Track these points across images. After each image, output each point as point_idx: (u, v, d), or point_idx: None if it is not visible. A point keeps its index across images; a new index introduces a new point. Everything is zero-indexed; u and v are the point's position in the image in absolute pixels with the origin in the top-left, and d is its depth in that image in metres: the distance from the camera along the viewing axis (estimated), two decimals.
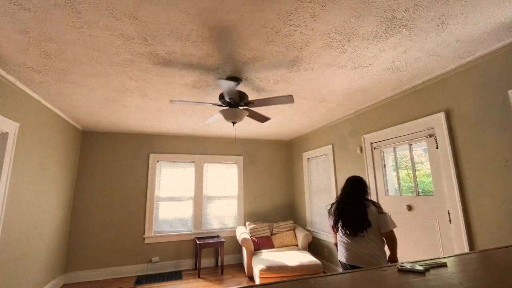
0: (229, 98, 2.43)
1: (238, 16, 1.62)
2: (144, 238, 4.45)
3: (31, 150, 2.92)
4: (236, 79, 2.46)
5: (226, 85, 2.16)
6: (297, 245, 4.42)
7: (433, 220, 2.52)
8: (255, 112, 2.77)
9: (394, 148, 3.06)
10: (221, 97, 2.50)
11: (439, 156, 2.48)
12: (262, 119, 2.92)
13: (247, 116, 2.77)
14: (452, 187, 2.34)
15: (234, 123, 2.56)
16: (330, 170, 4.15)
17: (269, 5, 1.54)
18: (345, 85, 2.72)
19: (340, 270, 2.65)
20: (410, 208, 2.75)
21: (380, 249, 2.10)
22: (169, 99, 3.02)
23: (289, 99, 2.29)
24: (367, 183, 2.38)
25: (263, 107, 3.36)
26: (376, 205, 2.17)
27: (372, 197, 3.23)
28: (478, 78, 2.19)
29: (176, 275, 4.23)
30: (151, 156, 4.75)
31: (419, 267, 0.88)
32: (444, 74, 2.44)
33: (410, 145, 2.85)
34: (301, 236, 4.35)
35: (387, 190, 3.09)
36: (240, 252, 4.88)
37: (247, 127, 4.41)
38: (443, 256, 1.06)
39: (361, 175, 3.41)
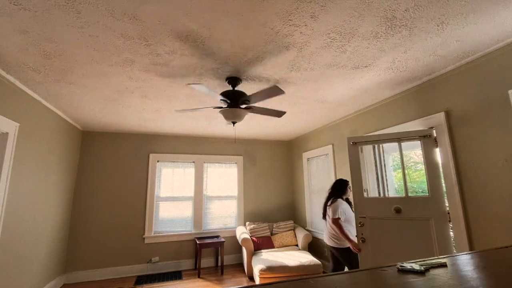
0: (221, 100, 2.42)
1: (238, 16, 1.62)
2: (144, 238, 4.45)
3: (31, 150, 2.92)
4: (236, 78, 2.46)
5: (198, 88, 2.10)
6: (297, 245, 4.42)
7: (430, 220, 2.51)
8: (267, 109, 2.67)
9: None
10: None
11: (439, 156, 2.48)
12: (277, 114, 2.79)
13: (262, 114, 2.71)
14: (452, 187, 2.34)
15: (234, 123, 2.55)
16: (330, 170, 4.14)
17: (269, 5, 1.54)
18: (345, 85, 2.72)
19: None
20: (407, 208, 2.74)
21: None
22: (171, 102, 3.03)
23: (276, 90, 2.19)
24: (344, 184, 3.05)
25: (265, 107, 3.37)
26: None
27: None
28: (478, 78, 2.19)
29: (176, 275, 4.24)
30: (151, 156, 4.75)
31: (419, 267, 0.88)
32: (444, 74, 2.44)
33: (408, 145, 2.84)
34: (301, 236, 4.35)
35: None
36: (240, 252, 4.88)
37: (247, 127, 4.41)
38: (443, 256, 1.06)
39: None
